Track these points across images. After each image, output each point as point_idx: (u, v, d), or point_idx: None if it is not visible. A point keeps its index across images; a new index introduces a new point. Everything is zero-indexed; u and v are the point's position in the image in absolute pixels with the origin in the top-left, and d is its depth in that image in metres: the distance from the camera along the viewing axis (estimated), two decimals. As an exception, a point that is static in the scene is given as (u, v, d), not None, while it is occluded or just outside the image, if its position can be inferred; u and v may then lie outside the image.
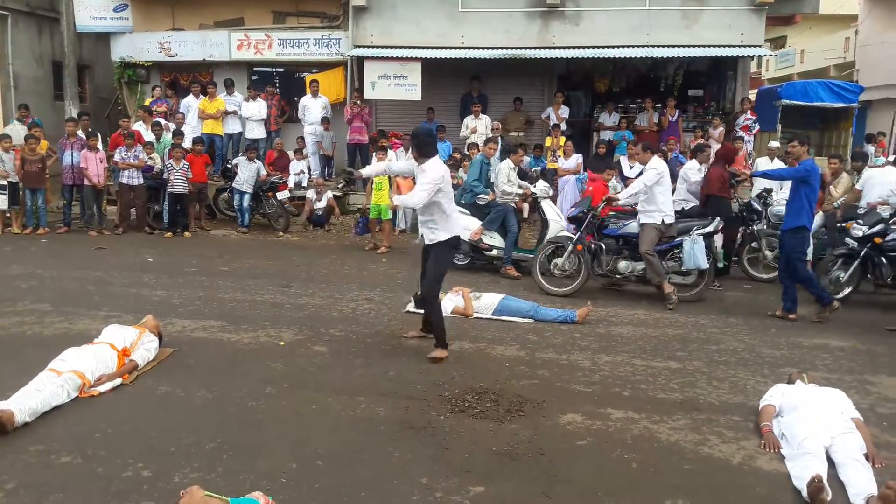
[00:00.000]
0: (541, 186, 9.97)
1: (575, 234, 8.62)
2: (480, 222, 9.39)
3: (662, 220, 8.10)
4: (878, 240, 8.28)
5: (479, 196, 9.73)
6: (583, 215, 8.66)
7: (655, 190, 8.03)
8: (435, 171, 5.91)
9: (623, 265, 8.42)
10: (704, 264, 8.09)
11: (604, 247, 8.54)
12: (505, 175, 9.84)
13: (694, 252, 8.03)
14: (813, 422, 4.34)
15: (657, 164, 8.20)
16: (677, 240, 8.25)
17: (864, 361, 6.28)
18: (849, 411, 4.53)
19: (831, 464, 4.08)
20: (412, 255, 10.87)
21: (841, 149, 13.99)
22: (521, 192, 9.89)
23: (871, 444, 4.31)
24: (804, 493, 3.79)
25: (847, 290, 8.43)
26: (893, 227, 8.41)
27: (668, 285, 8.09)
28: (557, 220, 9.68)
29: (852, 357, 6.40)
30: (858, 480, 3.85)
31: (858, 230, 8.39)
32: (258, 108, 13.83)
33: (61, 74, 15.45)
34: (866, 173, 9.97)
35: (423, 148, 6.01)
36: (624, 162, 11.98)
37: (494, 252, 9.65)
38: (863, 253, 8.33)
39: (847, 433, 4.27)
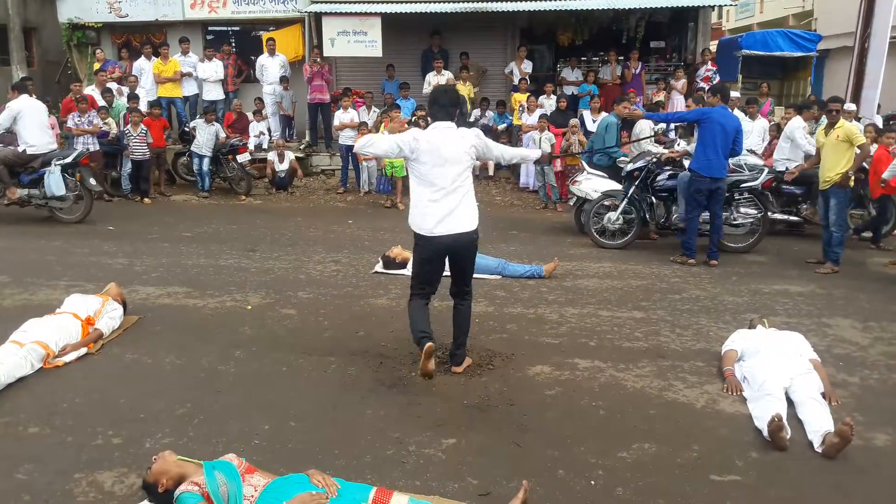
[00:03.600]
0: (683, 146, 9.62)
1: (629, 189, 8.61)
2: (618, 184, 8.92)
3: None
4: (636, 173, 8.55)
5: (620, 159, 9.18)
6: (639, 171, 8.63)
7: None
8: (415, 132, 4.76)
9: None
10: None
11: (654, 200, 8.70)
12: (648, 133, 9.74)
13: None
14: (773, 364, 4.48)
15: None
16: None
17: (821, 305, 6.47)
18: (807, 353, 4.69)
19: (790, 403, 4.24)
20: (379, 216, 10.85)
21: (799, 98, 14.15)
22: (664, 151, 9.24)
23: (828, 383, 4.47)
24: (765, 433, 3.93)
25: (628, 237, 8.67)
26: (667, 168, 8.60)
27: None
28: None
29: (811, 301, 6.58)
30: (816, 418, 4.00)
31: (632, 167, 8.67)
32: (214, 69, 13.47)
33: (6, 38, 14.84)
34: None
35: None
36: (587, 116, 11.97)
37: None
38: (630, 192, 8.55)
39: (805, 374, 4.42)
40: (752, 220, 8.45)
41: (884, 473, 3.68)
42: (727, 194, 8.20)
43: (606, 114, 11.87)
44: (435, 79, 13.02)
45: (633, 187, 8.58)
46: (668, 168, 8.63)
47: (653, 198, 8.70)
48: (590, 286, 7.00)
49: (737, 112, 11.30)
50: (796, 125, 9.38)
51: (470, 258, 4.82)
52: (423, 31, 13.90)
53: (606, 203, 8.78)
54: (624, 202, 8.60)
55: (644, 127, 10.06)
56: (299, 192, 12.60)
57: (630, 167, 8.80)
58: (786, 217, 9.35)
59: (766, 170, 8.79)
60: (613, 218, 8.65)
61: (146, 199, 11.66)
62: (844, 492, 3.51)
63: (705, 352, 5.28)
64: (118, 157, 11.85)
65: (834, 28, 18.22)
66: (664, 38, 15.09)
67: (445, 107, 4.73)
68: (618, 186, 8.84)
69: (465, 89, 13.12)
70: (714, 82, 13.22)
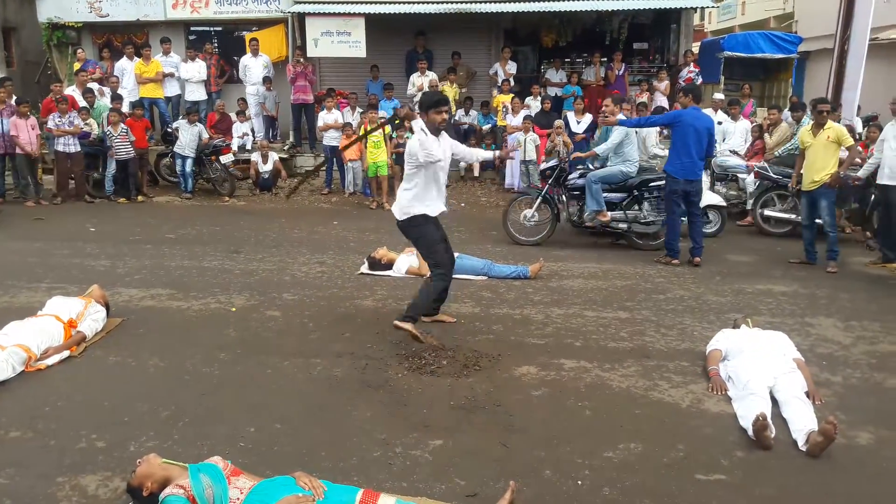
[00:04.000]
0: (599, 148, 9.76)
1: (543, 186, 8.83)
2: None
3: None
4: (547, 172, 8.87)
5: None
6: (551, 170, 8.85)
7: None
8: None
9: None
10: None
11: (566, 198, 8.88)
12: (654, 138, 9.80)
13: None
14: (757, 364, 4.51)
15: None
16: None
17: (804, 305, 6.53)
18: (791, 352, 4.72)
19: (775, 403, 4.27)
20: (364, 217, 10.82)
21: (781, 99, 14.28)
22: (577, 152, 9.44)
23: (811, 382, 4.51)
24: (749, 432, 3.96)
25: (543, 234, 8.84)
26: (580, 166, 8.84)
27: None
28: (704, 180, 9.20)
29: (794, 301, 6.64)
30: (800, 417, 4.03)
31: (545, 166, 9.04)
32: (197, 69, 13.38)
33: (-15, 38, 14.68)
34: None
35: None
36: (571, 117, 12.01)
37: None
38: (543, 191, 8.80)
39: (789, 373, 4.45)
40: (661, 218, 8.48)
41: (867, 472, 3.71)
42: (636, 193, 8.53)
43: (590, 115, 11.98)
44: (419, 80, 13.01)
45: (547, 186, 8.79)
46: (579, 167, 8.84)
47: (564, 196, 8.93)
48: (575, 287, 7.02)
49: (719, 113, 11.45)
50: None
51: None
52: (407, 32, 13.89)
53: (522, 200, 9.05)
54: (538, 200, 8.78)
55: (651, 132, 10.10)
56: (283, 193, 12.54)
57: (543, 166, 9.16)
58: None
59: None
60: (529, 215, 8.80)
61: (139, 197, 11.62)
62: (828, 490, 3.54)
63: (690, 351, 5.31)
64: (99, 159, 11.75)
65: (814, 30, 18.42)
66: (647, 40, 15.19)
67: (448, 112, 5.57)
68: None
69: (451, 91, 13.13)
70: (697, 83, 13.37)
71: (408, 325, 5.25)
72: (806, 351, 5.12)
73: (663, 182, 8.27)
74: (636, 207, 8.61)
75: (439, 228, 5.53)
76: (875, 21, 11.66)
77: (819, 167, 7.70)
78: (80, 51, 13.95)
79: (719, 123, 11.42)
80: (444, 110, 5.36)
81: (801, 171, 8.06)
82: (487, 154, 6.35)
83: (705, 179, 9.20)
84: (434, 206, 5.48)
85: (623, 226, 8.63)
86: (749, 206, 10.25)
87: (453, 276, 7.06)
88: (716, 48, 14.55)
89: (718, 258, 8.21)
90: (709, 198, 9.31)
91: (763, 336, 4.92)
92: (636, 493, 3.47)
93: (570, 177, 8.78)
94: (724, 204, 9.60)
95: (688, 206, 7.98)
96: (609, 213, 8.53)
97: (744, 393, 4.33)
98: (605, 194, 8.50)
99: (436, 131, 5.36)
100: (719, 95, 12.50)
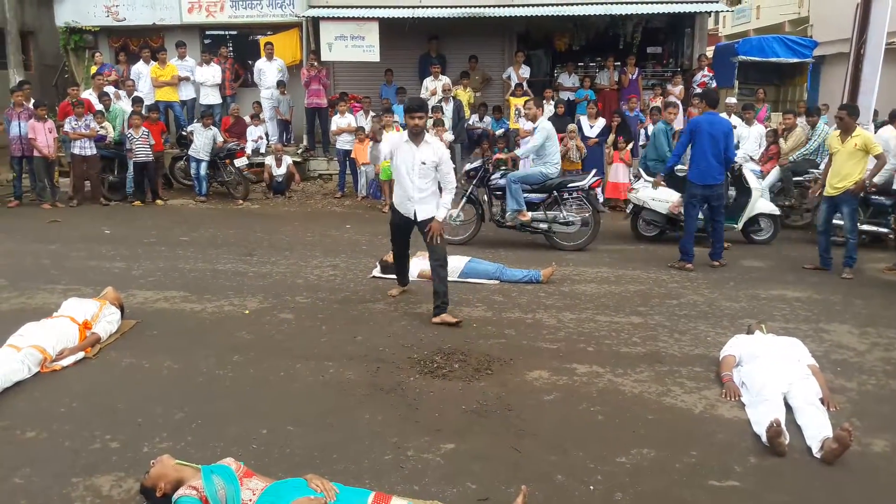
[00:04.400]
0: (518, 151, 9.90)
1: (467, 188, 9.17)
2: (679, 194, 8.70)
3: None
4: (471, 173, 9.17)
5: (678, 168, 8.73)
6: (475, 171, 9.26)
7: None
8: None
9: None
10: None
11: (489, 198, 9.27)
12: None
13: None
14: (771, 370, 4.48)
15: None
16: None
17: (819, 311, 6.48)
18: (805, 359, 4.69)
19: (789, 409, 4.24)
20: (377, 221, 10.84)
21: (796, 104, 14.18)
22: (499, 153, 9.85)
23: (826, 389, 4.47)
24: (763, 438, 3.93)
25: (468, 233, 9.19)
26: (503, 168, 9.19)
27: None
28: (758, 188, 9.33)
29: (808, 307, 6.59)
30: (814, 424, 4.00)
31: (469, 167, 9.38)
32: (212, 73, 13.47)
33: (3, 41, 14.82)
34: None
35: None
36: (584, 121, 11.99)
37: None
38: (468, 191, 9.09)
39: (804, 379, 4.42)
40: (580, 219, 8.79)
41: (882, 479, 3.68)
42: (556, 194, 8.80)
43: (603, 119, 11.95)
44: (432, 84, 13.04)
45: (472, 186, 9.03)
46: (503, 168, 9.22)
47: (492, 195, 9.19)
48: (587, 291, 7.01)
49: (733, 118, 11.38)
50: (891, 134, 9.16)
51: None
52: (421, 37, 13.93)
53: None
54: (463, 201, 9.00)
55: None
56: (296, 196, 12.59)
57: (467, 167, 9.49)
58: (874, 228, 9.16)
59: (594, 171, 9.45)
60: (454, 215, 8.96)
61: (158, 201, 11.72)
62: (843, 497, 3.51)
63: (703, 357, 5.28)
64: (115, 161, 11.85)
65: (830, 34, 18.27)
66: (661, 44, 15.13)
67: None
68: (676, 194, 8.80)
69: (465, 95, 13.15)
70: (711, 88, 13.30)
71: (443, 317, 5.81)
72: (820, 357, 5.07)
73: (582, 184, 8.76)
74: (556, 208, 8.86)
75: (403, 224, 6.21)
76: (891, 26, 11.55)
77: (845, 174, 7.63)
78: (97, 54, 14.10)
79: (734, 128, 11.38)
80: (416, 116, 5.77)
81: (824, 176, 7.98)
82: (441, 211, 6.08)
83: (758, 185, 9.31)
84: (401, 203, 6.14)
85: (544, 226, 8.88)
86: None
87: (465, 279, 7.13)
88: (730, 52, 14.48)
89: (732, 264, 8.17)
90: (761, 206, 9.25)
91: (777, 342, 4.89)
92: (649, 498, 3.46)
93: (493, 177, 9.09)
94: (778, 212, 9.46)
95: (710, 212, 8.00)
96: (530, 214, 8.77)
97: (758, 399, 4.30)
98: (526, 195, 8.78)
99: (413, 136, 5.89)
100: (732, 100, 12.43)
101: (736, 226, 9.13)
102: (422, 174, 5.97)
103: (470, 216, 9.23)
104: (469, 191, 9.10)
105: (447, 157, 6.05)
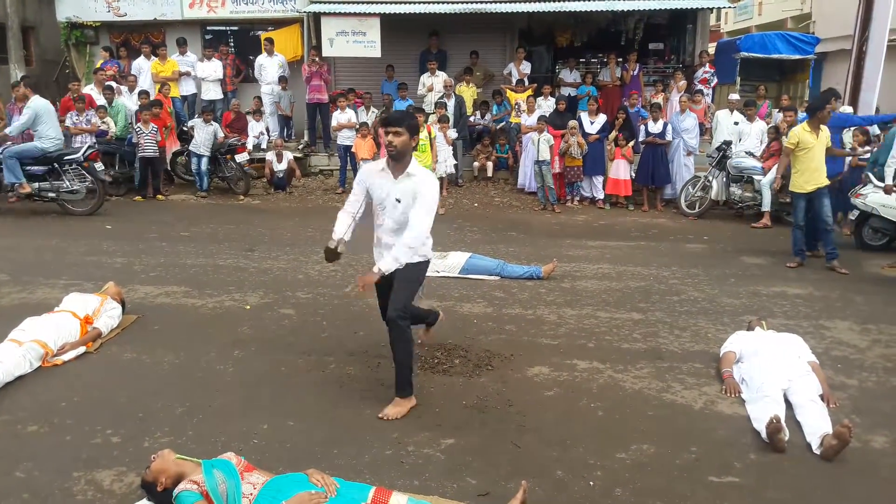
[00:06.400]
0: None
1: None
2: None
3: None
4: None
5: None
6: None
7: None
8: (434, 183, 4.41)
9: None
10: None
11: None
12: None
13: None
14: (771, 366, 4.48)
15: None
16: None
17: (819, 307, 6.48)
18: (805, 355, 4.69)
19: (789, 405, 4.24)
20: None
21: (798, 101, 14.16)
22: None
23: (826, 385, 4.48)
24: (763, 434, 3.94)
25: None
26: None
27: None
28: None
29: (809, 304, 6.59)
30: (814, 420, 4.01)
31: None
32: (213, 69, 13.46)
33: (4, 37, 14.81)
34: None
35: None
36: (584, 118, 11.98)
37: None
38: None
39: (804, 376, 4.42)
40: (84, 186, 9.94)
41: (882, 475, 3.69)
42: (56, 166, 9.81)
43: (604, 116, 11.93)
44: (429, 80, 13.02)
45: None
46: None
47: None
48: (588, 287, 7.01)
49: (735, 114, 11.38)
50: None
51: None
52: (422, 32, 13.90)
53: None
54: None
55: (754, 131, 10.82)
56: (297, 192, 12.59)
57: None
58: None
59: (88, 143, 10.55)
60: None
61: (159, 196, 11.74)
62: (842, 494, 3.52)
63: (704, 353, 5.29)
64: (116, 157, 11.84)
65: (832, 31, 18.25)
66: (663, 40, 15.09)
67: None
68: None
69: (468, 91, 13.13)
70: (712, 84, 13.30)
71: (429, 332, 5.18)
72: (821, 354, 5.08)
73: (76, 156, 9.85)
74: (60, 179, 9.88)
75: (385, 284, 4.37)
76: (894, 23, 11.55)
77: (820, 167, 7.64)
78: (102, 50, 14.10)
79: (735, 124, 11.37)
80: (391, 131, 4.23)
81: (792, 174, 7.89)
82: (386, 261, 4.24)
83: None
84: (374, 250, 4.60)
85: (52, 194, 9.92)
86: (764, 208, 10.19)
87: (465, 275, 7.10)
88: (732, 49, 14.45)
89: (733, 260, 8.17)
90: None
91: (777, 338, 4.90)
92: (648, 494, 3.47)
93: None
94: None
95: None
96: (35, 185, 9.80)
97: (757, 395, 4.31)
98: (30, 167, 9.72)
99: (392, 160, 4.35)
100: (734, 96, 12.42)
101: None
102: (394, 214, 4.36)
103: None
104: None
105: (430, 191, 4.28)
